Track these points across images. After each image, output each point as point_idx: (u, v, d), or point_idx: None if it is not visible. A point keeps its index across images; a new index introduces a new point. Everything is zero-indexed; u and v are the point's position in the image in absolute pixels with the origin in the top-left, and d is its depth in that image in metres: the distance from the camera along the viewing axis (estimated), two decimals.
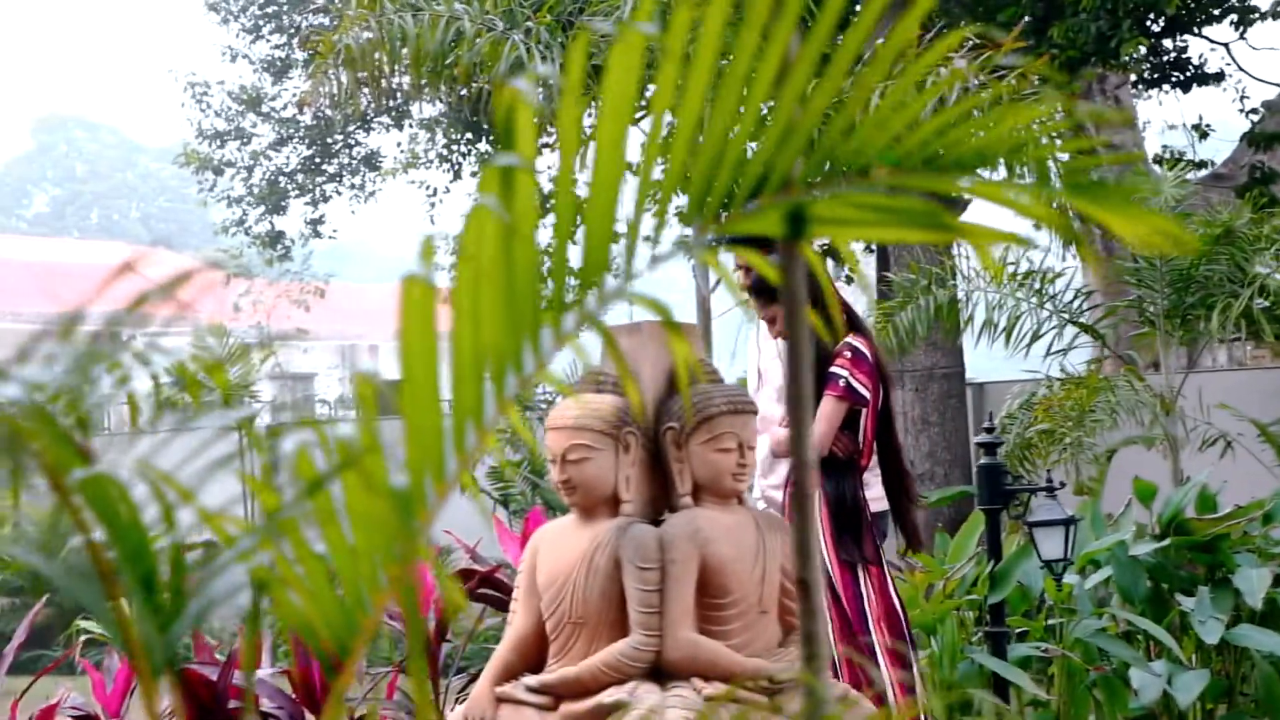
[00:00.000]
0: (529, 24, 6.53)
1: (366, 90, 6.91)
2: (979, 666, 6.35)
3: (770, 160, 1.50)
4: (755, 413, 4.12)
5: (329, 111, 7.55)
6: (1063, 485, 6.48)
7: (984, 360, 14.38)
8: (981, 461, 6.42)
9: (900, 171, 1.49)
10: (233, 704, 5.83)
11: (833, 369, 5.24)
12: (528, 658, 4.10)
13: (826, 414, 5.22)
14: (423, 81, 6.62)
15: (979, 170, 1.53)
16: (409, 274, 1.39)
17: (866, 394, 5.22)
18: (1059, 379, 7.92)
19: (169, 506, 1.39)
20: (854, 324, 5.43)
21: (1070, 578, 6.66)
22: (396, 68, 6.58)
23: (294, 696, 5.91)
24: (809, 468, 1.53)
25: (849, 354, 5.28)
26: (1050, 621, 6.73)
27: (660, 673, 3.94)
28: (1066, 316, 7.91)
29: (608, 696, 3.88)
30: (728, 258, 5.46)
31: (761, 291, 5.37)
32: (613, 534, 3.98)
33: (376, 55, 6.55)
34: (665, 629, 3.92)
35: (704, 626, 3.97)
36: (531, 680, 4.02)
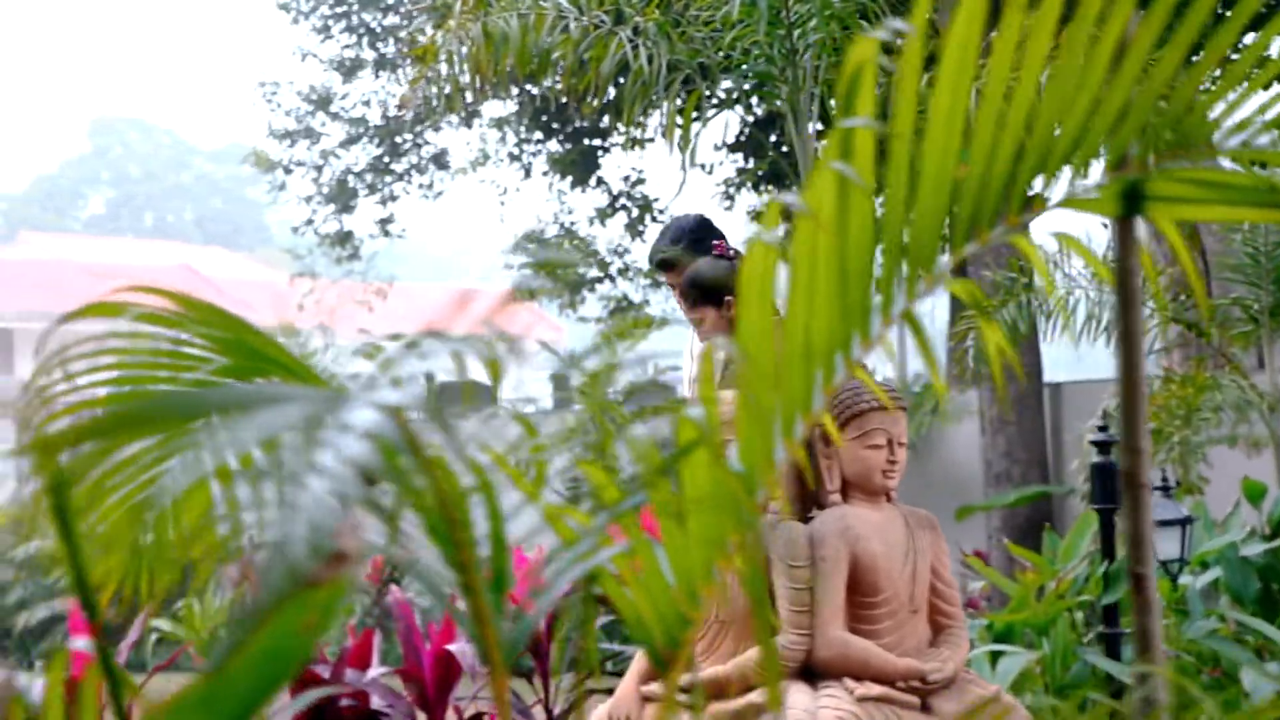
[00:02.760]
0: (636, 21, 6.48)
1: (466, 91, 6.89)
2: (1092, 668, 6.26)
3: (1106, 138, 1.44)
4: (905, 408, 4.06)
5: (416, 112, 7.55)
6: (1178, 484, 6.40)
7: (1048, 361, 14.25)
8: (1094, 460, 6.33)
9: (1246, 148, 1.43)
10: (345, 702, 5.82)
11: None
12: None
13: None
14: (526, 75, 6.59)
15: None
16: (754, 239, 1.34)
17: None
18: (1159, 377, 7.81)
19: (497, 511, 1.36)
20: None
21: (1181, 578, 6.58)
22: (497, 67, 6.55)
23: (406, 696, 5.90)
24: (1141, 454, 1.47)
25: None
26: (1162, 622, 6.63)
27: (810, 672, 3.89)
28: (1169, 314, 7.81)
29: (758, 696, 3.83)
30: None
31: (688, 293, 5.40)
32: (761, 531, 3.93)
33: (477, 56, 6.52)
34: (815, 628, 3.87)
35: (854, 625, 3.92)
36: None
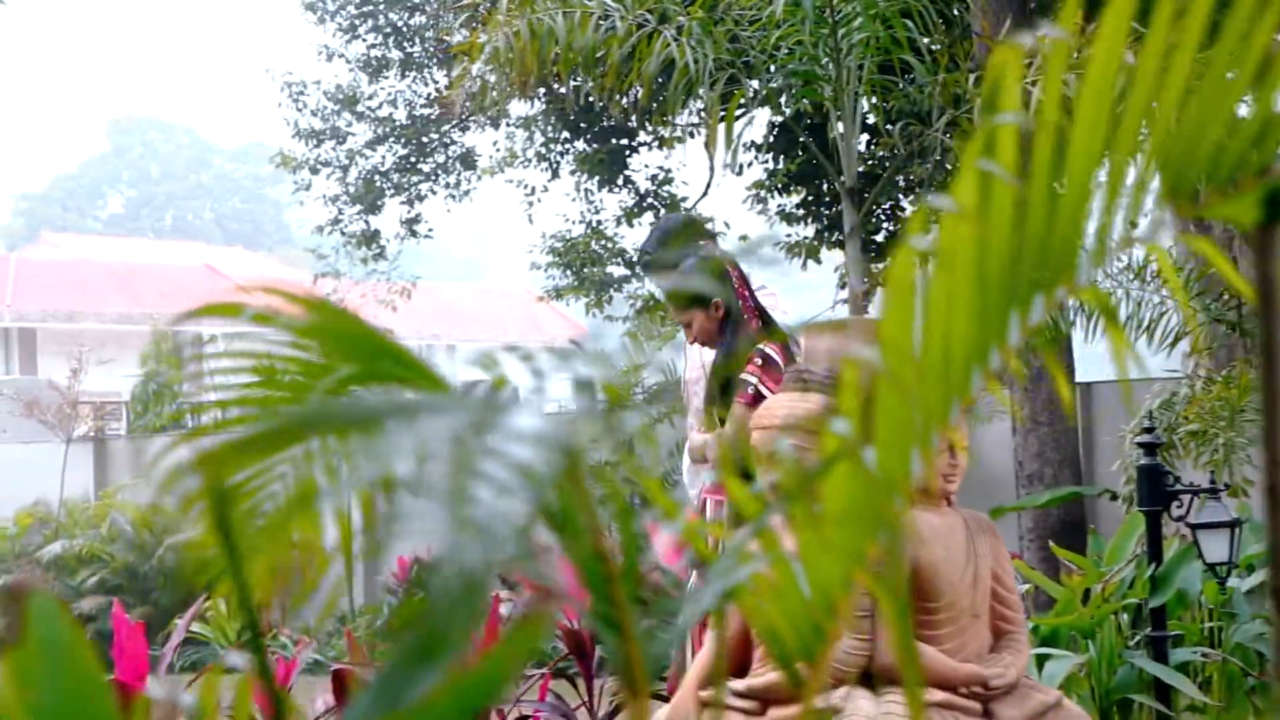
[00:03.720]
0: (680, 20, 6.46)
1: (510, 89, 6.87)
2: (1138, 671, 6.22)
3: (1247, 149, 1.41)
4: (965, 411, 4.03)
5: (461, 109, 7.58)
6: (1227, 487, 6.35)
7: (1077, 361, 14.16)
8: (1141, 463, 6.28)
9: None
10: None
11: (743, 376, 5.34)
12: (732, 662, 4.01)
13: (736, 418, 5.31)
14: (572, 75, 6.57)
15: None
16: (905, 243, 1.31)
17: None
18: (1202, 378, 7.76)
19: (632, 529, 1.33)
20: (770, 331, 5.46)
21: (1228, 581, 6.53)
22: (542, 65, 6.52)
23: None
24: None
25: (759, 361, 5.36)
26: (1205, 625, 6.60)
27: (872, 678, 3.85)
28: (1212, 314, 7.76)
29: (820, 702, 3.79)
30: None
31: (674, 296, 5.40)
32: None
33: (523, 54, 6.50)
34: (877, 633, 3.84)
35: (915, 631, 3.88)
36: (738, 685, 3.93)
